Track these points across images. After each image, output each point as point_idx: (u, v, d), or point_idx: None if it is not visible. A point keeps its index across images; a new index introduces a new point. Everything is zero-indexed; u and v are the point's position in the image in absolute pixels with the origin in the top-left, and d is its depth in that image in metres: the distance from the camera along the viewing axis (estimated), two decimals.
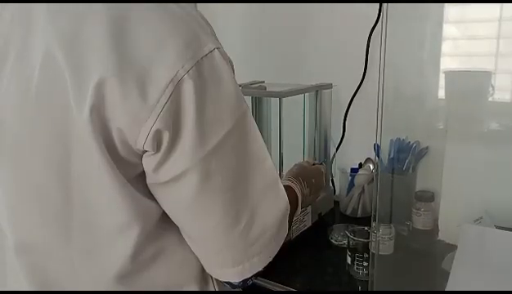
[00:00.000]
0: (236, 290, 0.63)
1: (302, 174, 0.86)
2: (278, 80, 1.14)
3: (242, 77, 1.16)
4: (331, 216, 1.20)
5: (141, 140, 0.47)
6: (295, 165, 0.93)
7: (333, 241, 1.04)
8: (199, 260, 0.59)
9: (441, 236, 1.01)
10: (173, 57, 0.46)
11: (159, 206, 0.54)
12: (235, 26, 1.41)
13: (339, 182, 1.26)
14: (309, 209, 1.09)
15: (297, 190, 0.79)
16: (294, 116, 1.15)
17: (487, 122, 1.04)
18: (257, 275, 0.59)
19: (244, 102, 0.53)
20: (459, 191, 0.98)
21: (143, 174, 0.51)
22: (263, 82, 1.17)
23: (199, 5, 1.60)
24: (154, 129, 0.46)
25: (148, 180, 0.52)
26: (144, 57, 0.45)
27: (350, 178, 1.20)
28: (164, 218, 0.55)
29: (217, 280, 0.60)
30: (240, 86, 1.11)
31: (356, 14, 1.19)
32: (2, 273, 0.60)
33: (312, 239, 1.04)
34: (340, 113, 1.26)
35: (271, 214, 0.57)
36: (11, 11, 0.52)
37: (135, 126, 0.46)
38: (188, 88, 0.46)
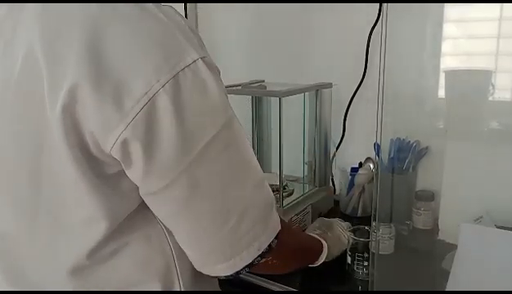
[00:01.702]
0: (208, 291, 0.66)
1: (327, 228, 0.91)
2: (278, 79, 1.14)
3: (242, 77, 1.17)
4: (331, 215, 1.20)
5: (109, 146, 0.48)
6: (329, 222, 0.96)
7: None
8: (165, 259, 0.59)
9: (441, 236, 1.01)
10: (150, 70, 0.46)
11: (132, 204, 0.55)
12: (235, 26, 1.41)
13: (339, 182, 1.26)
14: (309, 209, 1.10)
15: (324, 243, 0.84)
16: (294, 116, 1.15)
17: (488, 122, 1.04)
18: (250, 266, 0.59)
19: (230, 109, 0.54)
20: (459, 191, 0.98)
21: (122, 173, 0.52)
22: (263, 81, 1.17)
23: (199, 5, 1.60)
24: (122, 137, 0.47)
25: (140, 192, 0.54)
26: (121, 67, 0.46)
27: (350, 177, 1.20)
28: (134, 216, 0.56)
29: (184, 281, 0.60)
30: (239, 85, 1.12)
31: (356, 14, 1.19)
32: None
33: None
34: (340, 112, 1.26)
35: (258, 210, 0.59)
36: (6, 6, 0.53)
37: (105, 132, 0.47)
38: (164, 102, 0.47)
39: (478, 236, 0.86)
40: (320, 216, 1.14)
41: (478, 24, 1.10)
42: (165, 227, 0.58)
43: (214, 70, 0.52)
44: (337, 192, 1.27)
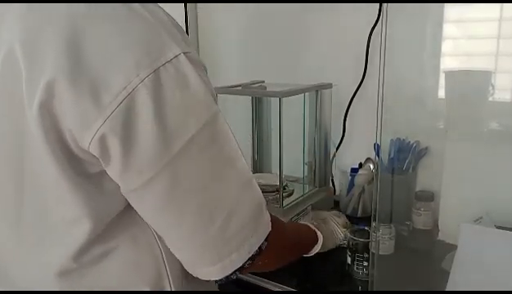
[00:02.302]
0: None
1: (321, 220, 0.91)
2: (278, 80, 1.14)
3: (242, 77, 1.17)
4: None
5: (86, 142, 0.47)
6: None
7: None
8: (155, 262, 0.58)
9: (441, 236, 1.01)
10: (130, 66, 0.46)
11: (118, 205, 0.54)
12: (235, 26, 1.41)
13: (339, 182, 1.26)
14: (309, 209, 1.10)
15: (319, 234, 0.84)
16: (294, 116, 1.15)
17: (487, 122, 1.04)
18: (241, 270, 0.59)
19: (215, 104, 0.53)
20: (459, 191, 0.98)
21: (104, 172, 0.51)
22: (263, 81, 1.17)
23: (199, 5, 1.60)
24: (100, 132, 0.46)
25: (121, 190, 0.53)
26: (100, 63, 0.46)
27: (350, 178, 1.20)
28: (122, 218, 0.55)
29: (175, 284, 0.60)
30: (239, 85, 1.12)
31: (356, 14, 1.19)
32: None
33: None
34: (340, 113, 1.26)
35: (246, 211, 0.57)
36: None
37: (82, 128, 0.47)
38: (143, 97, 0.46)
39: (477, 236, 0.86)
40: None
41: (478, 25, 1.10)
42: (156, 231, 0.57)
43: (198, 66, 0.51)
44: (337, 192, 1.27)
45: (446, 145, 0.99)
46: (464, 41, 1.12)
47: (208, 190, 0.54)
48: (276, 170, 1.14)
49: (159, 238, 0.58)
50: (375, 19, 1.14)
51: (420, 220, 1.06)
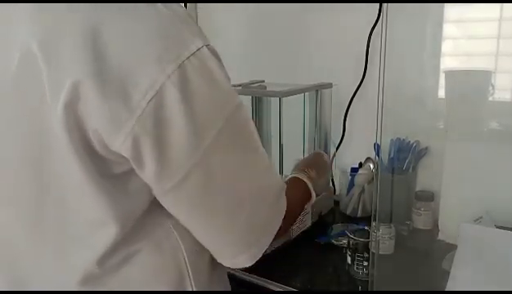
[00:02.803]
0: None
1: (302, 163, 0.88)
2: (278, 80, 1.14)
3: (242, 77, 1.17)
4: (331, 215, 1.20)
5: (118, 143, 0.46)
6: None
7: (333, 241, 1.04)
8: (177, 267, 0.58)
9: (441, 236, 1.01)
10: (154, 61, 0.45)
11: (142, 205, 0.54)
12: (235, 26, 1.41)
13: (339, 182, 1.26)
14: (309, 209, 1.09)
15: (304, 178, 0.80)
16: (294, 116, 1.15)
17: (487, 122, 1.04)
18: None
19: (237, 96, 0.53)
20: (459, 191, 0.98)
21: (129, 172, 0.50)
22: (263, 81, 1.17)
23: (199, 5, 1.60)
24: (132, 133, 0.45)
25: (154, 192, 0.52)
26: (124, 61, 0.45)
27: (350, 178, 1.20)
28: (145, 220, 0.54)
29: (198, 284, 0.59)
30: (239, 85, 1.12)
31: (356, 14, 1.19)
32: None
33: (312, 239, 1.04)
34: (340, 113, 1.26)
35: (271, 196, 0.59)
36: None
37: (112, 129, 0.46)
38: (171, 93, 0.46)
39: (478, 236, 0.86)
40: (320, 216, 1.14)
41: (478, 25, 1.10)
42: (177, 232, 0.57)
43: (219, 57, 0.51)
44: (337, 192, 1.27)
45: (446, 145, 0.99)
46: (464, 41, 1.12)
47: (238, 179, 0.54)
48: (275, 170, 1.14)
49: (183, 240, 0.57)
50: (375, 19, 1.14)
51: (420, 220, 1.06)
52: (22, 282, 0.56)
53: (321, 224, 1.12)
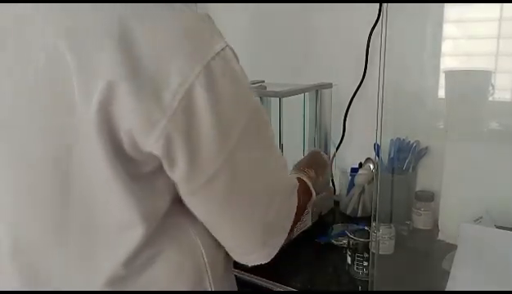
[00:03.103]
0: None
1: (300, 163, 0.89)
2: (278, 80, 1.14)
3: None
4: (331, 215, 1.20)
5: (151, 142, 0.46)
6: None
7: (333, 241, 1.04)
8: (197, 267, 0.58)
9: (441, 236, 1.01)
10: (182, 61, 0.46)
11: (165, 205, 0.54)
12: (236, 26, 1.40)
13: (339, 182, 1.26)
14: (309, 209, 1.09)
15: (304, 177, 0.80)
16: (294, 116, 1.15)
17: (487, 122, 1.04)
18: None
19: (255, 94, 0.55)
20: (459, 191, 0.98)
21: (154, 172, 0.51)
22: (263, 81, 1.17)
23: (199, 5, 1.59)
24: (165, 132, 0.46)
25: (181, 191, 0.52)
26: (154, 61, 0.45)
27: (350, 178, 1.20)
28: (166, 220, 0.54)
29: (216, 284, 0.60)
30: None
31: (356, 14, 1.19)
32: None
33: (312, 239, 1.04)
34: (341, 112, 1.26)
35: (285, 193, 0.61)
36: (8, 5, 0.51)
37: (146, 129, 0.46)
38: (199, 92, 0.46)
39: (478, 236, 0.86)
40: (320, 216, 1.14)
41: (478, 25, 1.10)
42: (195, 231, 0.57)
43: (237, 58, 0.52)
44: (337, 192, 1.27)
45: (446, 145, 0.99)
46: (464, 41, 1.12)
47: (258, 177, 0.56)
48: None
49: (202, 241, 0.57)
50: (375, 19, 1.14)
51: (420, 220, 1.06)
52: (43, 283, 0.55)
53: (321, 224, 1.12)
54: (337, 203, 1.24)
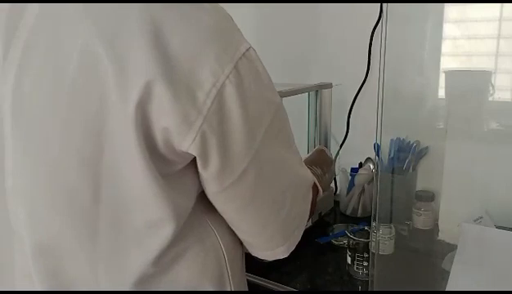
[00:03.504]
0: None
1: (306, 161, 0.89)
2: (281, 80, 1.14)
3: None
4: (331, 215, 1.20)
5: (188, 141, 0.47)
6: None
7: (333, 241, 1.04)
8: (218, 263, 0.58)
9: (441, 236, 1.01)
10: (213, 60, 0.46)
11: (190, 205, 0.54)
12: (238, 26, 1.41)
13: (340, 182, 1.26)
14: None
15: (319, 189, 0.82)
16: (294, 116, 1.14)
17: (488, 122, 1.04)
18: None
19: (278, 94, 0.56)
20: (459, 191, 0.98)
21: (183, 170, 0.51)
22: None
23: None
24: (201, 131, 0.47)
25: (211, 189, 0.53)
26: (187, 60, 0.46)
27: (350, 178, 1.20)
28: (190, 219, 0.55)
29: (234, 283, 0.60)
30: None
31: (359, 13, 1.19)
32: (10, 280, 0.57)
33: (312, 239, 1.04)
34: (344, 112, 1.26)
35: (304, 189, 0.63)
36: (38, 5, 0.51)
37: (183, 128, 0.46)
38: (230, 92, 0.47)
39: (478, 236, 0.86)
40: (320, 216, 1.14)
41: (478, 25, 1.10)
42: (216, 229, 0.57)
43: (259, 58, 0.53)
44: (337, 192, 1.27)
45: (446, 145, 0.99)
46: (464, 41, 1.12)
47: (281, 174, 0.57)
48: None
49: (222, 238, 0.58)
50: (377, 19, 1.14)
51: (420, 220, 1.06)
52: (68, 285, 0.54)
53: (321, 224, 1.12)
54: (337, 203, 1.24)
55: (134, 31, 0.46)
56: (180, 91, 0.45)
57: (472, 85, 1.01)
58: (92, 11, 0.48)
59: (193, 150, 0.48)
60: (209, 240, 0.58)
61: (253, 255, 0.63)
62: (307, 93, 1.14)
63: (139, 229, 0.51)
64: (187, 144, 0.47)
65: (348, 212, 1.20)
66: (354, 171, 1.20)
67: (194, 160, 0.51)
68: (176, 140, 0.47)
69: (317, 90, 1.14)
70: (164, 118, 0.46)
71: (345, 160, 1.26)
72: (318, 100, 1.14)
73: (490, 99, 1.02)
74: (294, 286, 0.88)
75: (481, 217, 0.94)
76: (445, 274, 0.77)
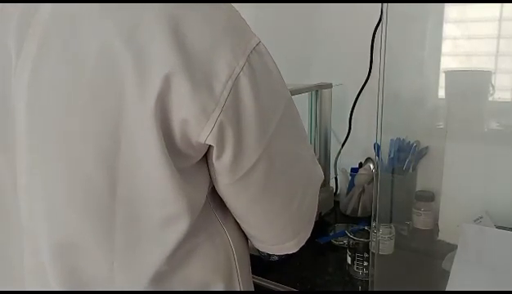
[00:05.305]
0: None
1: None
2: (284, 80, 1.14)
3: None
4: (331, 215, 1.20)
5: (206, 132, 0.48)
6: None
7: (333, 241, 1.04)
8: (228, 260, 0.58)
9: (441, 236, 1.01)
10: (228, 53, 0.48)
11: (203, 200, 0.54)
12: None
13: (340, 182, 1.26)
14: None
15: None
16: None
17: (488, 122, 1.04)
18: None
19: (287, 87, 0.57)
20: (459, 191, 0.98)
21: (197, 165, 0.52)
22: None
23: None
24: (218, 122, 0.47)
25: (223, 181, 0.54)
26: (205, 53, 0.47)
27: (350, 178, 1.20)
28: (201, 215, 0.55)
29: (243, 280, 0.61)
30: None
31: (360, 13, 1.19)
32: (20, 281, 0.57)
33: (312, 239, 1.04)
34: (345, 112, 1.26)
35: (315, 185, 0.63)
36: (51, 5, 0.51)
37: (202, 118, 0.47)
38: (244, 84, 0.48)
39: (478, 236, 0.86)
40: (320, 216, 1.14)
41: (478, 25, 1.10)
42: (225, 226, 0.58)
43: (269, 52, 0.54)
44: (337, 192, 1.27)
45: (446, 145, 0.99)
46: (464, 41, 1.12)
47: (293, 167, 0.57)
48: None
49: (231, 235, 0.59)
50: (378, 19, 1.14)
51: (420, 220, 1.06)
52: (84, 284, 0.54)
53: (321, 224, 1.13)
54: (337, 203, 1.24)
55: (153, 27, 0.46)
56: (199, 82, 0.46)
57: (472, 85, 1.01)
58: (110, 11, 0.48)
59: (210, 141, 0.48)
60: (219, 236, 0.58)
61: (260, 250, 0.64)
62: (307, 93, 1.14)
63: (155, 225, 0.52)
64: (205, 135, 0.48)
65: (348, 212, 1.20)
66: (354, 171, 1.20)
67: (205, 155, 0.52)
68: (194, 131, 0.48)
69: (317, 90, 1.14)
70: (184, 110, 0.46)
71: (345, 160, 1.26)
72: (318, 100, 1.14)
73: (490, 99, 1.02)
74: (294, 286, 0.88)
75: (481, 217, 0.94)
76: (445, 274, 0.77)
